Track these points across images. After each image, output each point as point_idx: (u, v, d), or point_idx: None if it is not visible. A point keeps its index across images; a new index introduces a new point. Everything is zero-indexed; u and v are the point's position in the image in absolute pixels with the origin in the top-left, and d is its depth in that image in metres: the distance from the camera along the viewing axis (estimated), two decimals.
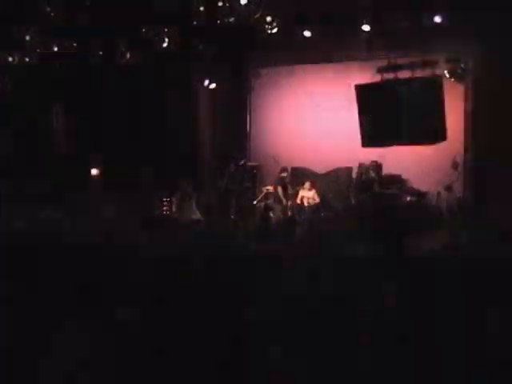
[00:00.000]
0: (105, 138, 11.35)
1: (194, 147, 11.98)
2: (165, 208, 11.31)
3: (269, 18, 9.46)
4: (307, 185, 11.21)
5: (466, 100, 10.15)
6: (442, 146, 9.11)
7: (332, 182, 11.70)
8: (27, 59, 10.53)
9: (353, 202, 10.58)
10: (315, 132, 12.02)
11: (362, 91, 9.32)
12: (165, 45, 9.88)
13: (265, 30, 9.58)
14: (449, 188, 10.25)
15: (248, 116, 12.88)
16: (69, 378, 3.31)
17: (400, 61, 9.36)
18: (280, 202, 11.36)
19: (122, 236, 6.48)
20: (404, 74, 8.99)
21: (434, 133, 8.77)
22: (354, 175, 11.28)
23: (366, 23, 9.29)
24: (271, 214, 11.06)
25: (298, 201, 11.20)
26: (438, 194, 10.66)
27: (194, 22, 9.67)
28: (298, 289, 4.27)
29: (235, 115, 12.66)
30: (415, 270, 4.84)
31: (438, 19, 8.82)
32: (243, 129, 12.85)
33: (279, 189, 11.37)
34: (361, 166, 10.79)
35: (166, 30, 9.85)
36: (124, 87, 11.22)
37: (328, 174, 11.84)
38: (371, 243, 6.39)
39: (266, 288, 4.30)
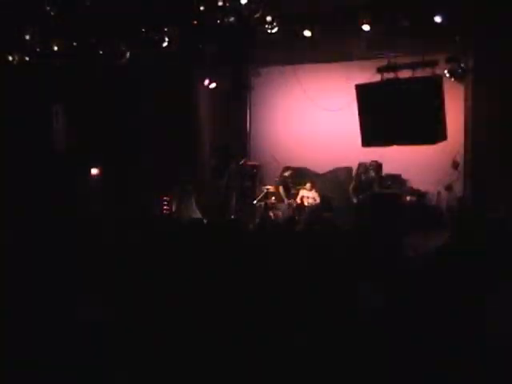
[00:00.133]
0: (105, 138, 11.34)
1: (193, 146, 11.98)
2: (165, 207, 11.34)
3: (269, 18, 9.46)
4: (308, 185, 11.22)
5: (466, 100, 10.15)
6: (442, 145, 9.11)
7: (332, 181, 11.71)
8: (27, 58, 10.53)
9: (354, 201, 10.58)
10: (315, 131, 12.03)
11: (362, 91, 9.32)
12: (165, 44, 9.87)
13: (265, 30, 9.58)
14: (449, 187, 10.26)
15: (248, 115, 12.89)
16: None
17: (400, 60, 9.36)
18: (281, 201, 11.36)
19: None
20: (404, 74, 8.98)
21: (434, 132, 8.77)
22: (353, 175, 11.28)
23: (366, 23, 9.28)
24: (271, 214, 11.08)
25: (299, 200, 11.21)
26: (438, 193, 10.67)
27: (195, 22, 9.67)
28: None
29: (235, 114, 12.67)
30: (415, 270, 4.85)
31: (438, 19, 8.81)
32: (243, 128, 12.86)
33: (281, 188, 11.36)
34: (361, 165, 10.79)
35: (166, 29, 9.84)
36: (124, 87, 11.21)
37: (328, 173, 11.86)
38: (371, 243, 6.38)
39: None
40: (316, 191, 11.20)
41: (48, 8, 9.07)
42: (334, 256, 5.39)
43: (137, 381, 3.32)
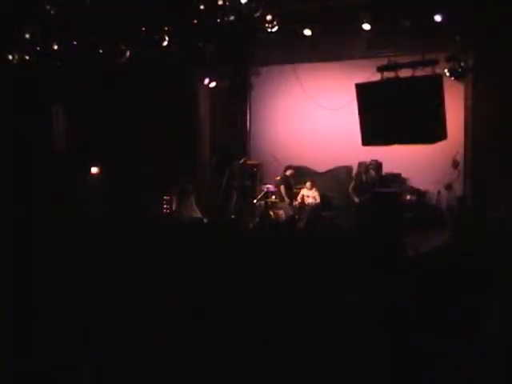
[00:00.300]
0: (105, 137, 11.35)
1: (194, 146, 11.98)
2: (165, 207, 11.34)
3: (269, 17, 9.46)
4: (308, 184, 11.21)
5: (466, 99, 10.15)
6: (442, 144, 9.09)
7: (332, 180, 11.71)
8: (27, 58, 10.54)
9: (356, 201, 10.58)
10: (315, 131, 12.03)
11: (362, 90, 9.30)
12: (165, 43, 9.87)
13: (265, 29, 9.58)
14: (449, 187, 10.26)
15: (248, 114, 12.89)
16: None
17: (400, 59, 9.35)
18: (282, 200, 11.35)
19: None
20: (404, 73, 8.97)
21: (434, 132, 8.75)
22: (353, 174, 11.28)
23: (366, 22, 9.28)
24: (271, 213, 11.08)
25: (299, 199, 11.20)
26: (438, 192, 10.67)
27: (195, 21, 9.67)
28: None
29: (235, 114, 12.67)
30: (415, 270, 4.85)
31: (438, 18, 8.81)
32: (243, 127, 12.86)
33: (282, 188, 11.34)
34: (361, 164, 10.78)
35: (166, 28, 9.84)
36: (124, 86, 11.21)
37: (328, 172, 11.85)
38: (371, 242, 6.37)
39: None
40: (316, 190, 11.19)
41: (48, 7, 9.08)
42: (334, 255, 5.39)
43: (137, 381, 3.33)
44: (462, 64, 9.49)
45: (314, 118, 12.05)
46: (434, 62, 8.77)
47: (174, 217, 10.25)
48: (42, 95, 10.92)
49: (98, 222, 7.82)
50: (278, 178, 11.65)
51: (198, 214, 10.53)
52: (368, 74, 9.57)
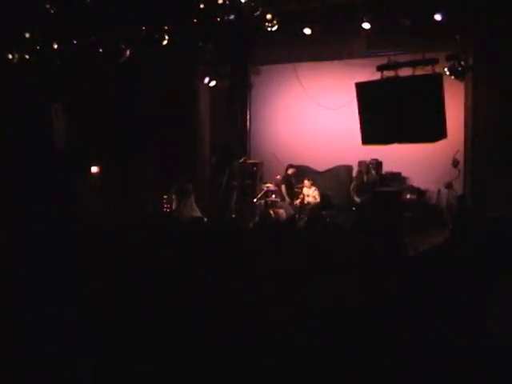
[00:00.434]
0: (105, 137, 11.34)
1: (194, 145, 11.98)
2: (165, 205, 11.34)
3: (269, 16, 9.45)
4: (306, 182, 11.19)
5: (466, 98, 10.14)
6: (442, 143, 9.10)
7: (332, 179, 11.71)
8: (27, 57, 10.53)
9: (357, 201, 10.57)
10: (315, 130, 12.03)
11: (362, 89, 9.31)
12: (165, 42, 9.86)
13: (265, 28, 9.57)
14: (449, 186, 10.26)
15: (248, 113, 12.88)
16: None
17: (400, 58, 9.35)
18: (283, 199, 11.32)
19: None
20: (404, 72, 8.97)
21: (434, 131, 8.76)
22: (354, 173, 11.28)
23: (366, 21, 9.27)
24: (271, 212, 11.07)
25: (300, 198, 11.18)
26: (438, 191, 10.67)
27: (194, 20, 9.66)
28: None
29: (235, 113, 12.66)
30: (415, 269, 4.85)
31: (438, 17, 8.80)
32: (243, 126, 12.86)
33: (283, 187, 11.31)
34: (361, 164, 10.78)
35: (166, 27, 9.83)
36: (124, 85, 11.20)
37: (328, 171, 11.85)
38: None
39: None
40: (316, 189, 11.18)
41: (48, 6, 9.07)
42: (334, 255, 5.39)
43: (137, 381, 3.33)
44: (462, 63, 9.49)
45: (313, 117, 12.05)
46: (434, 61, 8.77)
47: (174, 216, 10.24)
48: (42, 94, 10.91)
49: (97, 222, 7.82)
50: (278, 177, 11.65)
51: (198, 214, 10.52)
52: (368, 73, 9.58)
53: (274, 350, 3.37)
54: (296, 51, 11.22)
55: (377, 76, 9.18)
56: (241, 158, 12.00)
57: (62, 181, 10.97)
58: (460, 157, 10.19)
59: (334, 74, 11.75)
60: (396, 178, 10.96)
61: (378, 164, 10.76)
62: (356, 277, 4.58)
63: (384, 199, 9.85)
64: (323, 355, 3.40)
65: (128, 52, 10.15)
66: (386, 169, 10.95)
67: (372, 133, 9.34)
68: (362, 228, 8.86)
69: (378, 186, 10.47)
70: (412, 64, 8.88)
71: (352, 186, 10.68)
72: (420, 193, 10.74)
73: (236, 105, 12.58)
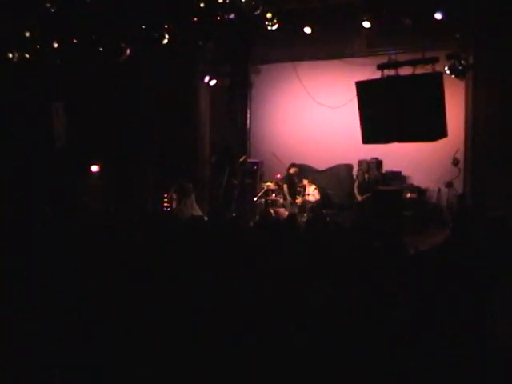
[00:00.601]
0: (105, 136, 11.34)
1: (194, 144, 11.97)
2: (165, 204, 11.34)
3: (269, 15, 9.45)
4: (305, 181, 11.18)
5: (466, 97, 10.13)
6: (442, 142, 9.10)
7: (332, 178, 11.70)
8: (27, 56, 10.53)
9: (358, 199, 10.56)
10: (315, 128, 12.03)
11: (363, 88, 9.30)
12: (165, 41, 9.85)
13: (265, 27, 9.57)
14: (449, 185, 10.25)
15: (248, 112, 12.88)
16: None
17: (400, 57, 9.34)
18: (285, 199, 11.28)
19: None
20: (404, 71, 8.96)
21: (435, 129, 8.75)
22: (354, 172, 11.27)
23: (367, 20, 9.27)
24: (272, 211, 11.07)
25: (301, 197, 11.15)
26: (439, 190, 10.67)
27: (195, 19, 9.65)
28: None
29: (235, 112, 12.66)
30: (415, 268, 4.84)
31: (438, 16, 8.80)
32: (243, 125, 12.85)
33: (285, 187, 11.26)
34: (361, 163, 10.78)
35: (166, 26, 9.82)
36: (124, 84, 11.20)
37: (328, 170, 11.85)
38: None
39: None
40: (316, 188, 11.17)
41: (48, 6, 9.06)
42: (334, 254, 5.39)
43: (137, 381, 3.33)
44: (463, 62, 9.48)
45: (314, 116, 12.04)
46: (434, 60, 8.76)
47: (175, 215, 10.24)
48: (42, 93, 10.91)
49: (97, 221, 7.82)
50: (279, 175, 11.64)
51: (199, 213, 10.52)
52: (368, 71, 9.58)
53: (274, 349, 3.37)
54: (296, 50, 11.20)
55: (377, 75, 9.17)
56: (241, 157, 11.99)
57: (62, 180, 10.98)
58: (460, 156, 10.19)
59: (334, 72, 11.74)
60: (396, 176, 10.96)
61: (378, 163, 10.75)
62: (356, 276, 4.58)
63: (384, 198, 9.85)
64: (323, 355, 3.40)
65: (128, 51, 10.14)
66: (386, 168, 10.95)
67: (372, 132, 9.33)
68: (362, 227, 8.87)
69: (381, 184, 10.46)
70: (412, 63, 8.87)
71: (356, 186, 10.66)
72: (420, 192, 10.74)
73: (236, 104, 12.57)
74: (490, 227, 6.53)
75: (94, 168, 11.83)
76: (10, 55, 10.44)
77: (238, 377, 3.27)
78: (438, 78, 8.55)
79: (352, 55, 11.18)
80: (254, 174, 12.22)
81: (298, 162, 11.65)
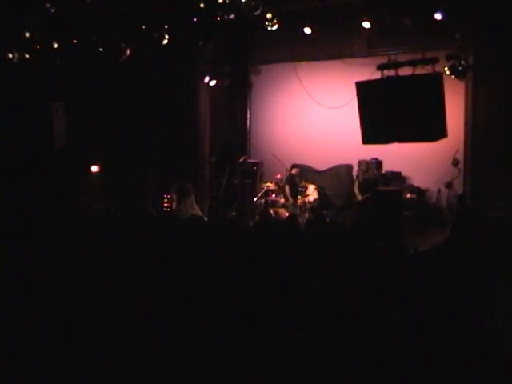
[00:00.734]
0: (105, 136, 11.35)
1: (194, 144, 11.98)
2: (165, 204, 11.35)
3: (269, 15, 9.45)
4: (304, 183, 11.17)
5: (466, 97, 10.13)
6: (442, 143, 9.10)
7: (332, 179, 11.69)
8: (27, 56, 10.54)
9: (358, 198, 10.55)
10: (315, 129, 12.02)
11: (363, 88, 9.30)
12: (165, 42, 9.86)
13: (265, 27, 9.57)
14: (449, 185, 10.25)
15: (248, 113, 12.88)
16: None
17: (400, 58, 9.35)
18: (287, 199, 11.24)
19: None
20: (404, 71, 8.97)
21: (435, 130, 8.76)
22: (354, 172, 11.27)
23: (366, 20, 9.27)
24: (271, 211, 11.06)
25: (302, 198, 11.13)
26: (438, 191, 10.67)
27: (195, 19, 9.66)
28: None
29: (235, 112, 12.66)
30: (415, 268, 4.85)
31: (438, 16, 8.80)
32: (243, 125, 12.85)
33: (287, 188, 11.23)
34: (361, 163, 10.77)
35: (166, 26, 9.83)
36: (124, 84, 11.21)
37: (328, 170, 11.84)
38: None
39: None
40: (316, 188, 11.16)
41: (48, 6, 9.07)
42: (334, 254, 5.39)
43: (137, 381, 3.33)
44: (463, 62, 9.48)
45: (314, 117, 12.03)
46: (434, 60, 8.77)
47: (175, 215, 10.26)
48: (42, 94, 10.92)
49: (97, 221, 7.82)
50: (279, 176, 11.63)
51: (199, 213, 10.53)
52: (368, 72, 9.57)
53: (274, 350, 3.37)
54: (296, 50, 11.20)
55: (377, 75, 9.17)
56: (241, 158, 12.00)
57: (62, 180, 10.98)
58: (460, 156, 10.18)
59: (334, 73, 11.74)
60: (396, 177, 10.95)
61: (378, 163, 10.75)
62: (356, 276, 4.58)
63: (384, 198, 9.85)
64: (323, 355, 3.40)
65: (128, 51, 10.15)
66: (386, 168, 10.94)
67: (372, 132, 9.34)
68: (362, 227, 8.89)
69: (381, 184, 10.46)
70: (412, 63, 8.87)
71: (356, 186, 10.65)
72: (420, 192, 10.73)
73: (236, 104, 12.57)
74: (489, 227, 6.55)
75: (94, 168, 11.84)
76: (10, 55, 10.45)
77: (238, 377, 3.27)
78: (438, 78, 8.55)
79: (352, 55, 11.18)
80: (253, 174, 12.21)
81: (297, 162, 11.65)
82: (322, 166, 11.87)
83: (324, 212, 10.72)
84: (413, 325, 3.61)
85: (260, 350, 3.39)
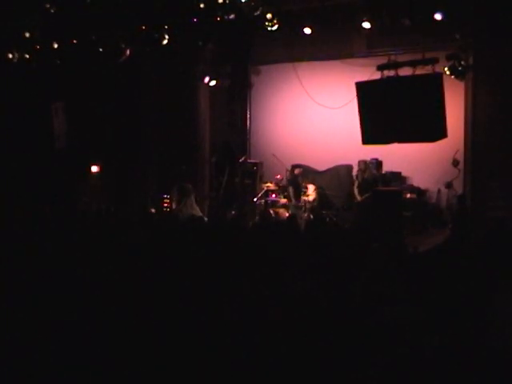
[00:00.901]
0: (105, 136, 11.35)
1: (194, 144, 11.98)
2: (165, 204, 11.35)
3: (269, 15, 9.46)
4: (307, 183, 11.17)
5: (466, 97, 10.13)
6: (442, 143, 9.10)
7: (332, 179, 11.69)
8: (27, 56, 10.54)
9: (358, 199, 10.55)
10: (315, 129, 12.02)
11: (363, 88, 9.30)
12: (165, 42, 9.87)
13: (265, 27, 9.58)
14: (449, 185, 10.26)
15: (248, 113, 12.88)
16: None
17: (400, 58, 9.35)
18: (290, 200, 11.20)
19: None
20: (404, 72, 8.97)
21: (435, 130, 8.76)
22: (354, 173, 11.26)
23: (367, 20, 9.28)
24: (271, 211, 11.06)
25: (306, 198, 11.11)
26: (438, 191, 10.68)
27: (195, 19, 9.67)
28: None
29: (235, 112, 12.66)
30: (415, 268, 4.86)
31: (438, 16, 8.81)
32: (243, 126, 12.86)
33: (291, 189, 11.18)
34: (361, 163, 10.77)
35: (166, 27, 9.84)
36: (124, 85, 11.21)
37: (328, 171, 11.84)
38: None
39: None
40: (315, 188, 11.15)
41: (48, 6, 9.07)
42: (334, 254, 5.39)
43: (137, 381, 3.33)
44: (463, 62, 9.48)
45: (314, 117, 12.03)
46: (434, 61, 8.77)
47: (175, 216, 10.26)
48: (42, 94, 10.93)
49: (97, 221, 7.82)
50: (279, 176, 11.62)
51: (199, 213, 10.53)
52: (368, 72, 9.57)
53: (274, 350, 3.38)
54: (296, 51, 11.20)
55: (377, 75, 9.17)
56: (241, 158, 12.00)
57: (62, 180, 10.99)
58: (460, 156, 10.19)
59: (334, 73, 11.74)
60: (396, 177, 10.95)
61: (378, 163, 10.75)
62: (356, 276, 4.59)
63: (384, 199, 9.85)
64: (323, 355, 3.40)
65: (128, 51, 10.15)
66: (386, 168, 10.94)
67: (372, 132, 9.33)
68: (361, 228, 8.89)
69: (380, 184, 10.45)
70: (412, 63, 8.87)
71: (355, 187, 10.64)
72: (420, 192, 10.74)
73: (236, 104, 12.57)
74: (489, 227, 6.55)
75: (94, 168, 11.84)
76: (10, 55, 10.46)
77: (239, 377, 3.27)
78: (438, 78, 8.55)
79: (352, 56, 11.19)
80: (253, 174, 12.21)
81: (297, 162, 11.65)
82: (321, 166, 11.87)
83: (324, 212, 10.72)
84: (413, 325, 3.61)
85: (260, 350, 3.39)
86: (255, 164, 12.33)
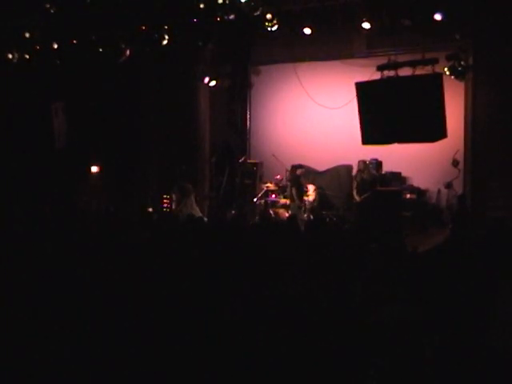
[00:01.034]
0: (105, 136, 11.35)
1: (194, 144, 11.99)
2: (165, 204, 11.35)
3: (269, 16, 9.46)
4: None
5: (466, 97, 10.14)
6: (442, 143, 9.09)
7: (332, 179, 11.69)
8: (27, 56, 10.54)
9: (357, 199, 10.54)
10: (315, 129, 12.02)
11: (363, 89, 9.30)
12: (165, 42, 9.87)
13: (265, 28, 9.58)
14: (449, 185, 10.26)
15: (248, 113, 12.89)
16: None
17: (400, 58, 9.35)
18: (292, 201, 11.18)
19: None
20: (404, 72, 8.97)
21: (434, 130, 8.75)
22: (354, 173, 11.26)
23: (366, 21, 9.28)
24: (271, 211, 11.07)
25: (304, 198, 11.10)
26: (438, 191, 10.68)
27: (195, 20, 9.67)
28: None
29: (235, 112, 12.67)
30: (415, 268, 4.86)
31: (438, 16, 8.81)
32: (243, 126, 12.86)
33: (294, 190, 11.14)
34: (360, 163, 10.77)
35: (166, 27, 9.84)
36: (124, 85, 11.21)
37: (328, 171, 11.83)
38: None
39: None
40: (315, 189, 11.14)
41: (48, 6, 9.08)
42: (334, 254, 5.39)
43: (137, 381, 3.33)
44: (462, 63, 9.49)
45: (314, 117, 12.04)
46: (434, 61, 8.77)
47: (175, 216, 10.26)
48: (42, 94, 10.93)
49: (97, 221, 7.82)
50: (279, 176, 11.63)
51: (198, 213, 10.52)
52: (368, 72, 9.57)
53: (274, 350, 3.38)
54: (296, 51, 11.21)
55: (377, 76, 9.17)
56: (241, 158, 12.00)
57: (62, 180, 10.99)
58: (460, 156, 10.19)
59: (334, 73, 11.74)
60: (396, 177, 10.95)
61: (377, 163, 10.75)
62: (356, 276, 4.59)
63: (384, 199, 9.85)
64: (323, 355, 3.40)
65: (128, 52, 10.16)
66: (386, 168, 10.94)
67: (372, 133, 9.33)
68: (361, 228, 8.89)
69: (379, 184, 10.45)
70: (412, 64, 8.87)
71: (355, 187, 10.64)
72: (420, 192, 10.74)
73: (236, 104, 12.58)
74: (489, 227, 6.55)
75: (94, 168, 11.84)
76: (10, 55, 10.46)
77: (239, 377, 3.27)
78: (438, 78, 8.55)
79: (352, 56, 11.19)
80: (253, 174, 12.22)
81: (297, 162, 11.65)
82: (321, 166, 11.86)
83: (324, 212, 10.72)
84: (413, 325, 3.61)
85: (260, 350, 3.39)
86: (255, 164, 12.34)
